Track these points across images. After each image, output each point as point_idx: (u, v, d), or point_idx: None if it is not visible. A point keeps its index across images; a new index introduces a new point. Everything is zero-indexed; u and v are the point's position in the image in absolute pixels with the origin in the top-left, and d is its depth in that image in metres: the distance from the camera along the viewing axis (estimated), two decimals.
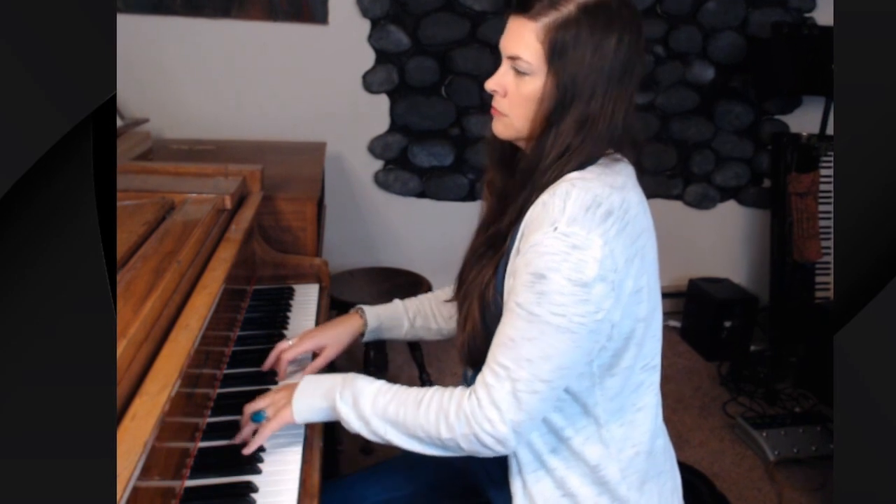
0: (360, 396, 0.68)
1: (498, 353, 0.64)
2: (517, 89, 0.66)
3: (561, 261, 0.60)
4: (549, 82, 0.64)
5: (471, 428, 0.64)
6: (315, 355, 0.87)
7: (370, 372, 1.53)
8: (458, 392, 0.66)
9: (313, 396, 0.71)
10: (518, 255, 0.65)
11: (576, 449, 0.70)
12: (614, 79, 0.64)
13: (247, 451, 0.70)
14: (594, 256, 0.61)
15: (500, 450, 0.65)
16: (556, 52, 0.62)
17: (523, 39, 0.64)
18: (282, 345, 0.86)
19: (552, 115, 0.64)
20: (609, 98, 0.64)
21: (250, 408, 0.73)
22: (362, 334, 0.89)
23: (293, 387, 0.73)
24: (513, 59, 0.65)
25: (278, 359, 0.85)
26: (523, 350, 0.62)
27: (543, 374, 0.62)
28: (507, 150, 0.74)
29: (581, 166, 0.66)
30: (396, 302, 0.92)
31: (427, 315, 0.90)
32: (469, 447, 0.65)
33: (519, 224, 0.67)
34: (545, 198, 0.64)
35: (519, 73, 0.65)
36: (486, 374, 0.64)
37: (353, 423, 0.69)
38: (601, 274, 0.61)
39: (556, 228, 0.61)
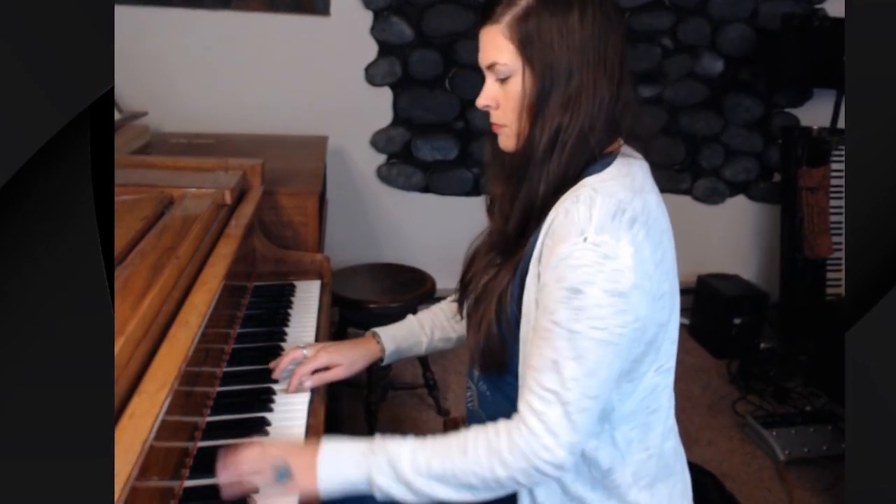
0: (397, 461, 0.64)
1: (542, 377, 0.62)
2: (505, 95, 0.66)
3: (595, 273, 0.59)
4: (527, 75, 0.64)
5: (528, 461, 0.62)
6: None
7: (371, 370, 1.52)
8: (504, 427, 0.64)
9: (342, 467, 0.65)
10: (540, 263, 0.63)
11: (588, 454, 0.68)
12: (589, 54, 0.63)
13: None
14: (627, 265, 0.59)
15: (558, 475, 0.64)
16: (524, 44, 0.63)
17: (494, 44, 0.65)
18: (295, 353, 0.85)
19: (537, 104, 0.64)
20: (589, 74, 0.64)
21: (269, 459, 0.64)
22: (381, 359, 0.88)
23: (308, 448, 0.66)
24: (491, 67, 0.66)
25: (293, 372, 0.83)
26: (568, 370, 0.60)
27: (591, 391, 0.61)
28: (509, 165, 0.73)
29: (596, 167, 0.65)
30: (410, 318, 0.90)
31: (444, 326, 0.89)
32: (527, 480, 0.63)
33: (539, 230, 0.65)
34: (567, 205, 0.62)
35: (501, 80, 0.66)
36: (531, 402, 0.62)
37: (394, 489, 0.64)
38: (637, 282, 0.60)
39: (585, 238, 0.60)
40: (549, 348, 0.61)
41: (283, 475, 0.64)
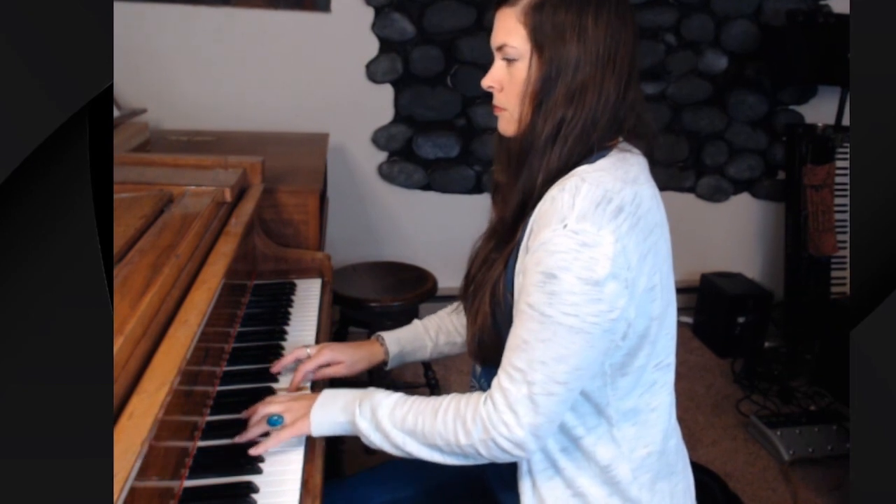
0: (377, 408, 0.68)
1: (512, 355, 0.63)
2: (510, 79, 0.67)
3: (571, 259, 0.59)
4: (535, 61, 0.65)
5: (488, 433, 0.63)
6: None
7: (373, 371, 1.51)
8: (475, 397, 0.66)
9: (332, 410, 0.70)
10: (527, 252, 0.64)
11: (587, 449, 0.68)
12: (600, 50, 0.64)
13: (254, 451, 0.69)
14: (605, 254, 0.59)
15: (519, 454, 0.64)
16: (536, 30, 0.64)
17: (507, 26, 0.66)
18: (300, 351, 0.85)
19: (540, 91, 0.65)
20: (598, 70, 0.64)
21: (266, 409, 0.72)
22: (385, 363, 0.88)
23: (311, 397, 0.72)
24: (501, 49, 0.67)
25: (296, 369, 0.83)
26: (537, 352, 0.61)
27: (559, 377, 0.61)
28: (511, 151, 0.73)
29: (591, 158, 0.65)
30: (416, 323, 0.90)
31: (450, 331, 0.89)
32: (488, 453, 0.65)
33: (528, 219, 0.65)
34: (554, 192, 0.63)
35: (509, 61, 0.66)
36: (500, 378, 0.64)
37: (373, 437, 0.68)
38: (613, 272, 0.60)
39: (565, 226, 0.60)
40: (522, 328, 0.62)
41: (275, 422, 0.70)
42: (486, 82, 0.69)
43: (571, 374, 0.62)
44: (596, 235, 0.59)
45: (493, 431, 0.63)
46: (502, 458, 0.65)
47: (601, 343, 0.62)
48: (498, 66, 0.68)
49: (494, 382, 0.64)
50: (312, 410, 0.70)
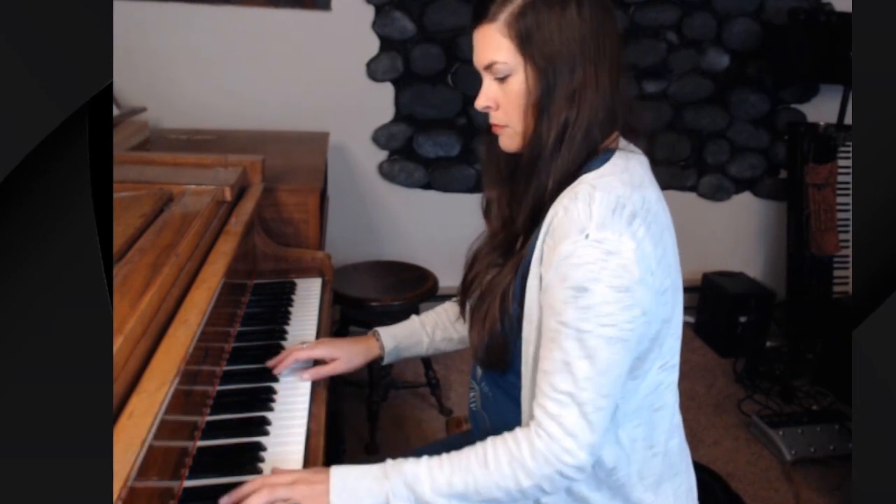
0: (415, 484, 0.62)
1: (554, 379, 0.61)
2: (505, 95, 0.66)
3: (599, 269, 0.59)
4: (529, 71, 0.63)
5: (552, 466, 0.61)
6: (317, 362, 0.86)
7: (373, 369, 1.52)
8: (523, 435, 0.63)
9: (355, 496, 0.62)
10: (542, 264, 0.63)
11: None
12: (590, 46, 0.63)
13: None
14: (630, 259, 0.59)
15: (579, 478, 0.63)
16: (524, 40, 0.63)
17: (491, 43, 0.64)
18: (298, 352, 0.85)
19: (542, 100, 0.64)
20: (591, 65, 0.63)
21: (273, 494, 0.61)
22: (381, 357, 0.87)
23: (319, 478, 0.63)
24: (489, 67, 0.65)
25: (288, 351, 0.84)
26: (580, 371, 0.60)
27: (605, 390, 0.61)
28: (505, 167, 0.73)
29: (595, 162, 0.64)
30: (413, 318, 0.90)
31: (447, 327, 0.88)
32: (551, 486, 0.63)
33: (539, 227, 0.65)
34: (566, 202, 0.62)
35: (500, 79, 0.65)
36: (546, 406, 0.62)
37: None
38: (641, 276, 0.60)
39: (587, 235, 0.59)
40: (558, 350, 0.61)
41: None
42: (481, 103, 0.67)
43: (614, 384, 0.61)
44: (618, 242, 0.59)
45: (558, 463, 0.61)
46: (561, 488, 0.63)
47: (636, 348, 0.62)
48: (489, 85, 0.66)
49: (539, 412, 0.62)
50: (331, 498, 0.61)
